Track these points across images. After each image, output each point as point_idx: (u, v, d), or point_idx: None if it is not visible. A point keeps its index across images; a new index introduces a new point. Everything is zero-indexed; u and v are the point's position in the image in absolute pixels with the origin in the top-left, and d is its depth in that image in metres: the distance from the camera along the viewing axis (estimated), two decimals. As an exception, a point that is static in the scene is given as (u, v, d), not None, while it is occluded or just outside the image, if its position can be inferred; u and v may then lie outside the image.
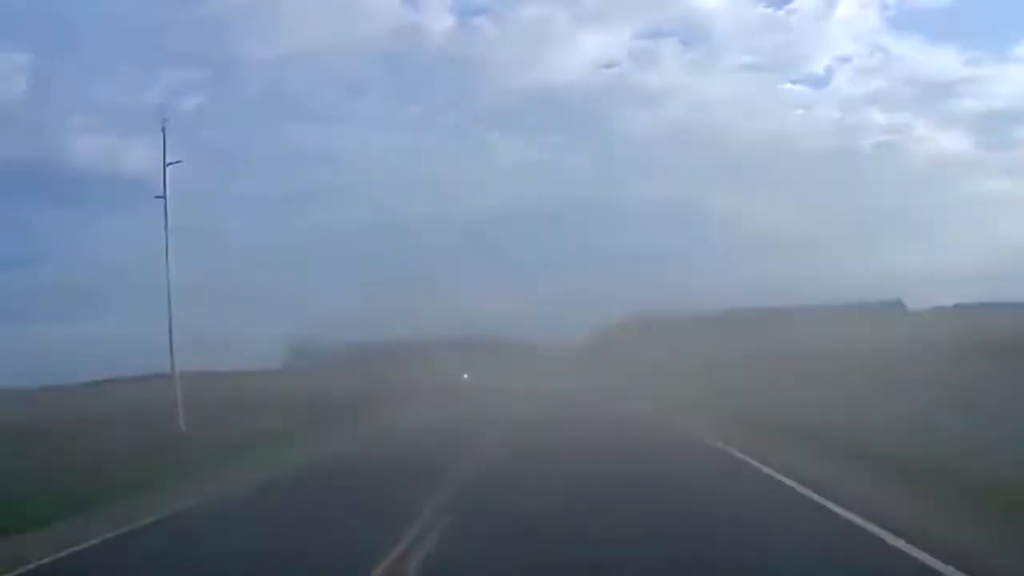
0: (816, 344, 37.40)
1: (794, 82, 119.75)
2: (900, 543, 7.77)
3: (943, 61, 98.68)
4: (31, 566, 8.87)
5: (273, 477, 15.92)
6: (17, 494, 13.02)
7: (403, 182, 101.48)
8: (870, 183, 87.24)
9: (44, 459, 18.24)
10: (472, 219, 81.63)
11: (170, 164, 27.36)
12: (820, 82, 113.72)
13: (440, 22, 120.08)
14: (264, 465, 17.51)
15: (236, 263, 69.29)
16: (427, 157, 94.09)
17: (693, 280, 72.33)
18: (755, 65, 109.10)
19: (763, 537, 8.69)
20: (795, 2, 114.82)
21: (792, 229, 79.59)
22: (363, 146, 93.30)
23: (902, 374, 23.22)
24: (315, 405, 32.26)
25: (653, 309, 64.52)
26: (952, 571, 6.85)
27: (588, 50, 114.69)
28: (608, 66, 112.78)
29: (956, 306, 45.19)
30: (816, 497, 10.50)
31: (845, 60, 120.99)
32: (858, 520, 8.89)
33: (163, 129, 27.85)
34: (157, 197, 27.38)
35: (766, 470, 13.17)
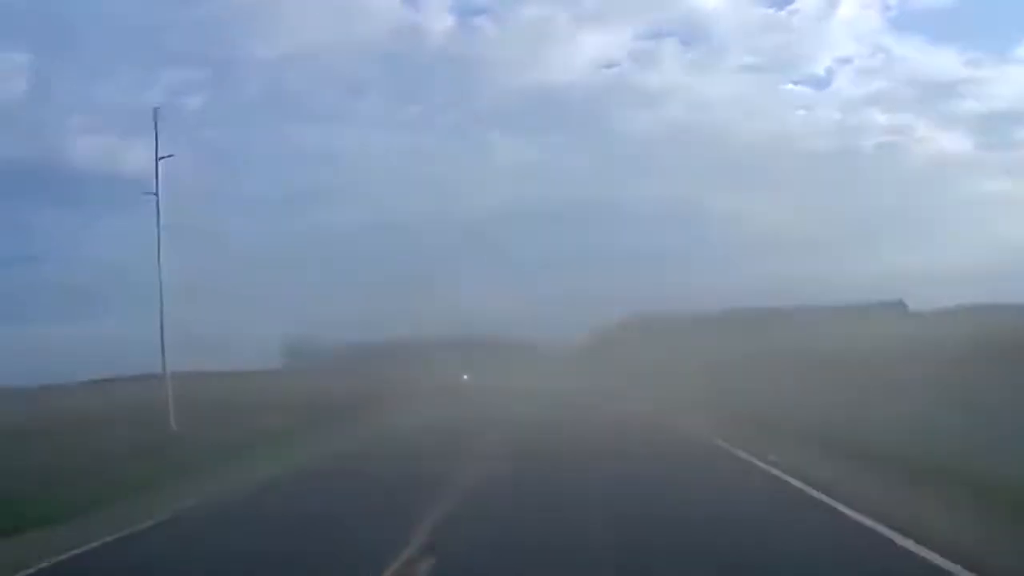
0: (817, 344, 37.34)
1: (795, 83, 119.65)
2: (908, 543, 7.75)
3: (944, 62, 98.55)
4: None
5: (262, 482, 15.14)
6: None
7: (403, 182, 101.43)
8: (871, 183, 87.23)
9: (9, 462, 17.01)
10: (472, 219, 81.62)
11: (162, 158, 27.05)
12: (821, 83, 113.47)
13: (440, 22, 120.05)
14: (254, 468, 16.80)
15: (235, 263, 69.34)
16: (427, 157, 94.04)
17: (693, 280, 72.33)
18: (756, 66, 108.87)
19: (768, 537, 8.65)
20: (796, 3, 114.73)
21: (793, 229, 79.59)
22: (363, 146, 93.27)
23: (904, 375, 23.15)
24: (313, 405, 32.08)
25: (653, 309, 64.54)
26: (960, 570, 6.83)
27: (588, 50, 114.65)
28: (608, 66, 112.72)
29: (958, 307, 45.08)
30: (819, 495, 10.48)
31: (846, 61, 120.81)
32: (867, 521, 8.85)
33: (155, 122, 27.49)
34: (148, 193, 27.15)
35: (774, 471, 13.11)
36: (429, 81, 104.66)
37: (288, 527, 10.39)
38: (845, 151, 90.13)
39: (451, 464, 15.49)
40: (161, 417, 25.64)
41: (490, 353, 66.57)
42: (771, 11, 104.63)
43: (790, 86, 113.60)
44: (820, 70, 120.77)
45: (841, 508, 9.64)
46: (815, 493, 10.74)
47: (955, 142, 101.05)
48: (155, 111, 27.78)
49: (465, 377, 61.18)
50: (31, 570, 8.68)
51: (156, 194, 26.97)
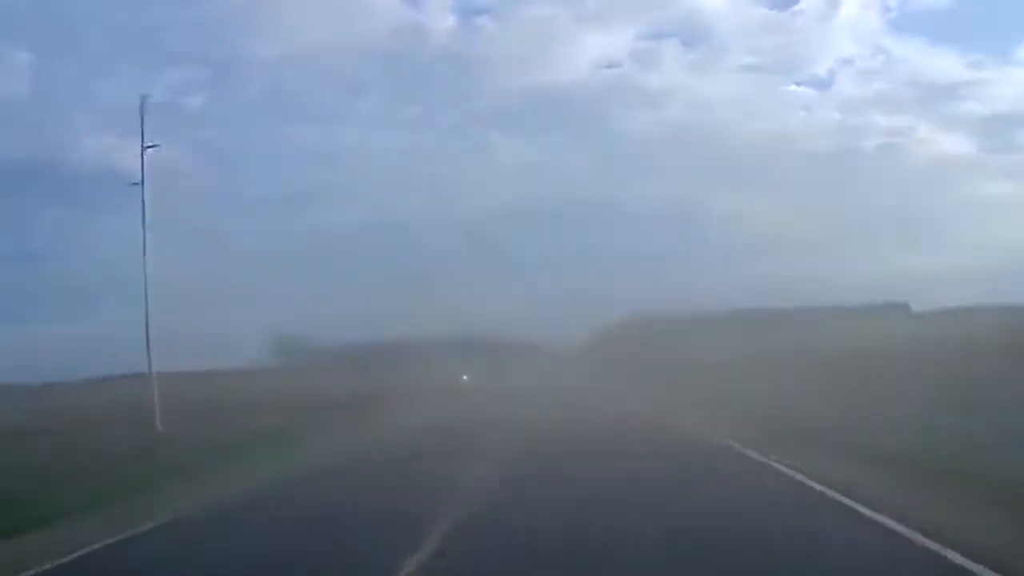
0: (819, 345, 37.15)
1: (797, 84, 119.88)
2: (930, 543, 7.62)
3: (945, 64, 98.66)
4: None
5: (243, 492, 13.55)
6: None
7: (403, 182, 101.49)
8: (872, 184, 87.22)
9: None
10: (472, 219, 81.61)
11: (148, 147, 26.77)
12: (822, 83, 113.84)
13: (441, 22, 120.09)
14: (238, 474, 15.61)
15: (235, 262, 69.36)
16: (427, 157, 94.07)
17: (693, 280, 72.22)
18: (756, 66, 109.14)
19: (798, 544, 8.43)
20: (797, 4, 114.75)
21: (794, 230, 79.62)
22: (363, 146, 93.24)
23: (908, 375, 22.99)
24: (308, 405, 31.82)
25: (653, 309, 64.39)
26: (984, 570, 6.72)
27: (589, 50, 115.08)
28: (609, 66, 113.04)
29: (960, 308, 44.91)
30: (840, 496, 10.30)
31: (847, 62, 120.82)
32: (885, 520, 8.73)
33: (141, 111, 27.19)
34: (133, 184, 26.77)
35: (787, 471, 12.88)
36: (429, 81, 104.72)
37: (265, 552, 8.96)
38: (846, 152, 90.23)
39: (451, 465, 15.30)
40: (149, 417, 25.20)
41: (490, 353, 66.44)
42: (772, 12, 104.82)
43: (791, 87, 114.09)
44: (821, 71, 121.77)
45: (863, 510, 9.43)
46: (835, 494, 10.52)
47: (956, 144, 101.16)
48: (142, 99, 27.36)
49: (464, 377, 60.92)
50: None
51: (141, 184, 26.59)
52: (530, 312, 72.89)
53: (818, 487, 11.05)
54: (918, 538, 7.86)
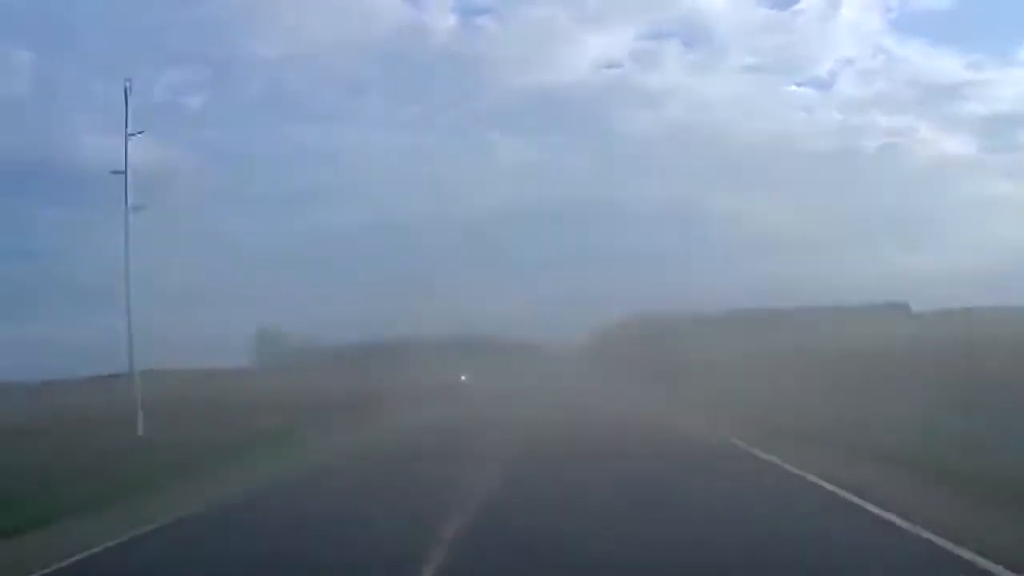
0: (820, 345, 37.13)
1: (797, 84, 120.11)
2: (947, 543, 7.60)
3: (946, 64, 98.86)
4: None
5: (219, 505, 12.18)
6: None
7: (403, 182, 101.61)
8: (873, 185, 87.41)
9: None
10: (472, 219, 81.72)
11: (132, 135, 26.23)
12: (823, 84, 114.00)
13: (442, 22, 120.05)
14: (215, 485, 14.22)
15: (235, 262, 69.38)
16: (427, 157, 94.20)
17: (694, 280, 72.26)
18: (757, 66, 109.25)
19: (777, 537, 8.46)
20: (797, 4, 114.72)
21: (795, 230, 79.73)
22: (363, 146, 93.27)
23: (907, 375, 22.94)
24: (307, 405, 31.62)
25: (653, 309, 64.35)
26: (1002, 571, 6.71)
27: (590, 50, 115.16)
28: (609, 66, 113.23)
29: (961, 308, 44.93)
30: (852, 497, 10.28)
31: (847, 62, 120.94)
32: (894, 518, 8.74)
33: (126, 97, 26.51)
34: (116, 172, 26.20)
35: (794, 469, 12.87)
36: (430, 81, 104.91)
37: None
38: (847, 152, 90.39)
39: (452, 465, 15.26)
40: (132, 418, 24.68)
41: (490, 353, 66.35)
42: (772, 12, 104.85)
43: (792, 87, 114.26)
44: (822, 71, 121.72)
45: (875, 510, 9.41)
46: (846, 495, 10.48)
47: (957, 144, 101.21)
48: (126, 85, 26.69)
49: (463, 378, 60.81)
50: None
51: (125, 172, 26.04)
52: (530, 312, 73.03)
53: (829, 486, 11.03)
54: (928, 535, 7.87)
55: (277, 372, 61.40)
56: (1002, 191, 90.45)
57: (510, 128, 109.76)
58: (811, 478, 11.85)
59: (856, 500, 9.90)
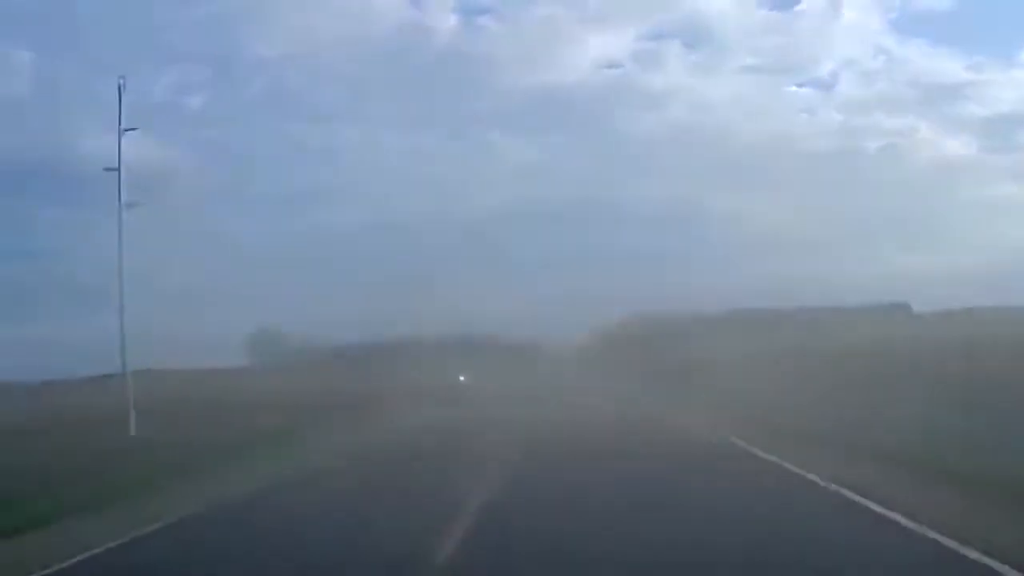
0: (820, 345, 37.07)
1: (798, 84, 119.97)
2: (953, 543, 7.58)
3: (947, 65, 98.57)
4: None
5: (205, 511, 11.69)
6: None
7: (403, 182, 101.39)
8: (874, 185, 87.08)
9: None
10: (472, 219, 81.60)
11: (126, 131, 25.84)
12: (824, 84, 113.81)
13: (443, 21, 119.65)
14: (202, 490, 13.51)
15: (235, 261, 69.29)
16: (427, 157, 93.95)
17: (694, 280, 72.17)
18: (758, 67, 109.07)
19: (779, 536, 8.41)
20: (799, 5, 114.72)
21: (796, 231, 79.57)
22: (363, 146, 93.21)
23: (908, 375, 22.90)
24: (306, 405, 31.46)
25: (653, 309, 64.26)
26: (1008, 570, 6.70)
27: (591, 51, 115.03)
28: (611, 67, 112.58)
29: (962, 309, 44.90)
30: (857, 497, 10.26)
31: (849, 63, 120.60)
32: (898, 518, 8.72)
33: (119, 94, 26.04)
34: (109, 169, 25.71)
35: (796, 469, 12.86)
36: (430, 81, 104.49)
37: None
38: (847, 152, 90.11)
39: (452, 465, 15.23)
40: (124, 420, 24.40)
41: (490, 353, 66.25)
42: (774, 13, 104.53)
43: (793, 88, 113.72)
44: (823, 72, 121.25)
45: (878, 509, 9.39)
46: (847, 494, 10.46)
47: (958, 145, 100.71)
48: (120, 82, 26.18)
49: (462, 378, 60.68)
50: None
51: (118, 169, 25.65)
52: (530, 312, 72.90)
53: (829, 486, 11.01)
54: (933, 535, 7.86)
55: (276, 372, 61.29)
56: (1003, 192, 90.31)
57: (511, 128, 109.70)
58: (812, 477, 11.83)
59: (858, 499, 9.91)
